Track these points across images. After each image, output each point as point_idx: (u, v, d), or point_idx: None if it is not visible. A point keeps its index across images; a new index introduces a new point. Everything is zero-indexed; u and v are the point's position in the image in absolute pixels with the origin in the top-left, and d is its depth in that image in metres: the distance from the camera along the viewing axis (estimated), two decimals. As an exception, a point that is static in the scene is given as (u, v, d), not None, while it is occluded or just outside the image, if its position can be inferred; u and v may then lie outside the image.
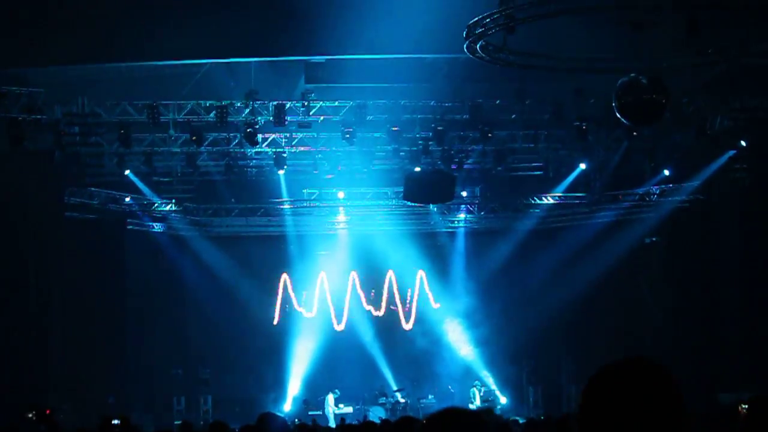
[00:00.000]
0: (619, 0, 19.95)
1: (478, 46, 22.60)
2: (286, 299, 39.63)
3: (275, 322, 39.28)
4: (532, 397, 38.38)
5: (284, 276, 39.67)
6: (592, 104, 30.81)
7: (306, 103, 30.45)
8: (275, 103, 30.13)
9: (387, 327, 39.67)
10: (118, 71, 28.97)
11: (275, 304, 39.37)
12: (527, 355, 38.66)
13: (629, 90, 20.38)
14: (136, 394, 34.65)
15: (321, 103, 30.78)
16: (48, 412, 27.93)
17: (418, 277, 40.08)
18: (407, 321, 39.95)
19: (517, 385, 38.71)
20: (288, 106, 30.46)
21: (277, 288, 39.48)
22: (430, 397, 36.85)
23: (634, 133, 32.66)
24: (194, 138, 30.98)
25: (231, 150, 33.18)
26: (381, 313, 39.89)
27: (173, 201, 36.09)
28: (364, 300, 39.89)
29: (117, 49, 25.99)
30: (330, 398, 36.21)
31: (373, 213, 38.37)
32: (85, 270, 33.26)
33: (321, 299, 39.77)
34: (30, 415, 25.71)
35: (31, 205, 30.42)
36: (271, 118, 30.42)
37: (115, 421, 20.57)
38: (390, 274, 40.02)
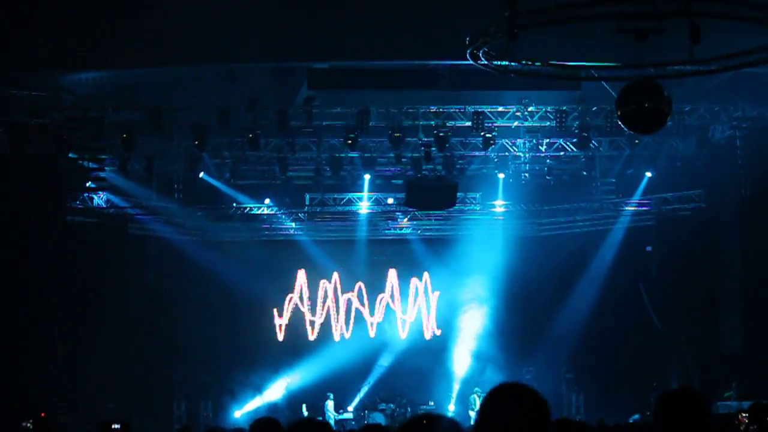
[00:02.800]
0: (622, 9, 19.92)
1: (480, 52, 22.61)
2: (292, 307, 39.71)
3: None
4: (532, 405, 38.30)
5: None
6: (594, 112, 30.85)
7: (308, 109, 30.46)
8: (278, 108, 30.17)
9: (388, 333, 39.67)
10: (121, 75, 28.98)
11: (276, 308, 39.38)
12: (528, 362, 38.63)
13: (631, 98, 20.36)
14: (136, 399, 34.58)
15: (323, 108, 30.80)
16: (43, 415, 27.86)
17: (421, 283, 40.11)
18: (411, 326, 39.97)
19: (518, 392, 38.63)
20: (290, 111, 30.50)
21: (279, 292, 39.49)
22: (430, 403, 36.80)
23: (636, 141, 32.72)
24: (197, 142, 30.98)
25: (233, 154, 33.19)
26: (382, 319, 39.88)
27: (175, 205, 36.13)
28: (366, 306, 39.89)
29: (119, 54, 26.02)
30: (330, 404, 36.21)
31: (376, 219, 38.35)
32: (87, 273, 33.26)
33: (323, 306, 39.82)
34: (27, 425, 25.60)
35: (32, 209, 30.40)
36: (273, 124, 30.46)
37: (116, 426, 20.54)
38: (392, 280, 40.02)
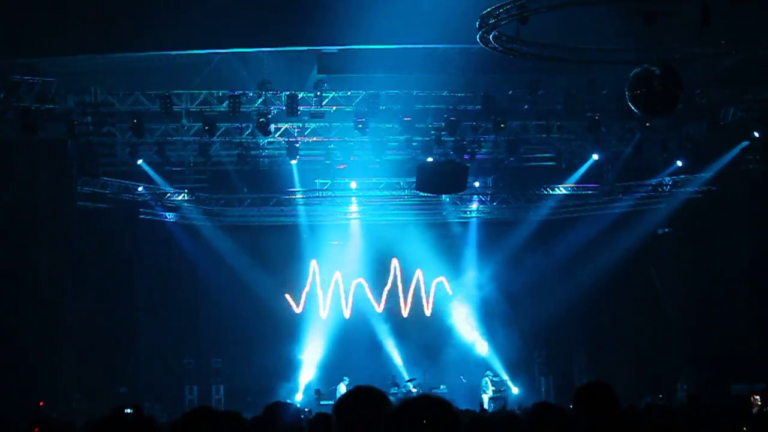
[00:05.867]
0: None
1: (491, 36, 22.58)
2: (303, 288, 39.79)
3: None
4: (543, 387, 38.39)
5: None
6: (604, 95, 30.76)
7: (318, 93, 30.40)
8: (288, 92, 30.10)
9: (399, 317, 39.70)
10: (131, 61, 28.94)
11: (287, 293, 39.44)
12: (539, 346, 38.69)
13: (642, 81, 20.33)
14: (148, 383, 34.69)
15: (333, 93, 30.72)
16: (41, 404, 27.93)
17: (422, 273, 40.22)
18: (421, 310, 40.00)
19: (529, 375, 38.72)
20: (300, 96, 30.43)
21: (290, 277, 39.53)
22: (442, 387, 36.82)
23: (647, 124, 32.65)
24: (207, 128, 30.96)
25: (243, 140, 33.16)
26: (391, 303, 39.93)
27: (186, 191, 36.17)
28: (371, 290, 39.96)
29: (129, 39, 25.98)
30: (342, 388, 36.23)
31: (386, 203, 38.37)
32: (98, 259, 33.36)
33: (335, 290, 39.87)
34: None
35: (43, 195, 30.47)
36: (283, 108, 30.42)
37: (128, 410, 20.61)
38: (397, 264, 40.08)
